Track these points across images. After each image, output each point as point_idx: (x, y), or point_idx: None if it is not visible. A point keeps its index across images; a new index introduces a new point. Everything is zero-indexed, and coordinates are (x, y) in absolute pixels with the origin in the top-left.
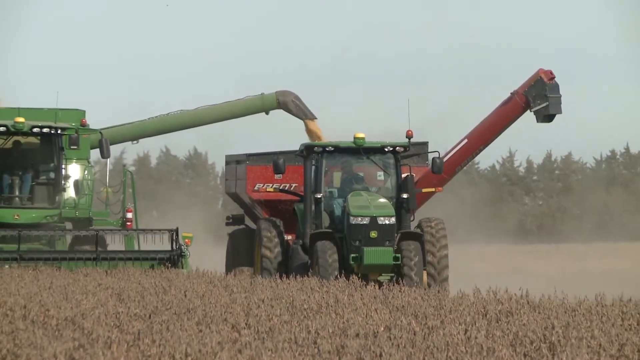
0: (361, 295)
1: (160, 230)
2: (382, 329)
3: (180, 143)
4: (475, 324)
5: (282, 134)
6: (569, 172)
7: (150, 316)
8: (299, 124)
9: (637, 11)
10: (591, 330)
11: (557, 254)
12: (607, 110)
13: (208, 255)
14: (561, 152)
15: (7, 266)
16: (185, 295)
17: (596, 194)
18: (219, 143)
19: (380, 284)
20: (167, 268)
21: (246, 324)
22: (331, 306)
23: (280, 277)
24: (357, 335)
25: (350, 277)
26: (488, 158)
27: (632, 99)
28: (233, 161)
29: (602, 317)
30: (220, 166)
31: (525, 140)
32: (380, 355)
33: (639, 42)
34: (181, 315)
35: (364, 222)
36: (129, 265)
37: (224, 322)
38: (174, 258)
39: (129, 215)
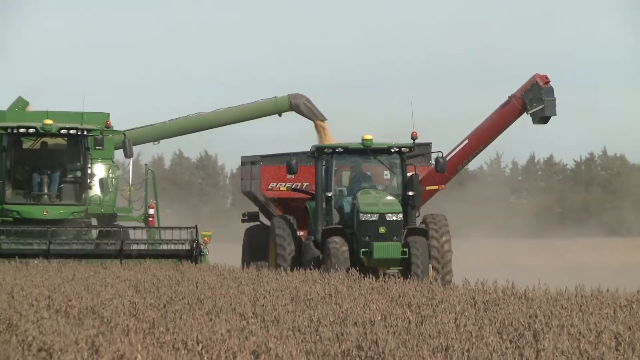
0: (359, 286)
1: (180, 227)
2: (378, 317)
3: (192, 146)
4: (465, 313)
5: (282, 136)
6: (550, 173)
7: (164, 306)
8: (300, 125)
9: (611, 20)
10: (571, 318)
11: (540, 249)
12: (586, 115)
13: (219, 249)
14: (543, 155)
15: (35, 261)
16: (197, 287)
17: (576, 193)
18: (228, 146)
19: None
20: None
21: (253, 313)
22: (332, 297)
23: (292, 270)
24: (356, 323)
25: (350, 270)
26: (477, 160)
27: (609, 105)
28: (248, 162)
29: (581, 306)
30: (229, 168)
31: (511, 143)
32: (377, 342)
33: (614, 52)
34: (193, 305)
35: (373, 219)
36: (152, 263)
37: (233, 311)
38: (194, 255)
39: (151, 211)
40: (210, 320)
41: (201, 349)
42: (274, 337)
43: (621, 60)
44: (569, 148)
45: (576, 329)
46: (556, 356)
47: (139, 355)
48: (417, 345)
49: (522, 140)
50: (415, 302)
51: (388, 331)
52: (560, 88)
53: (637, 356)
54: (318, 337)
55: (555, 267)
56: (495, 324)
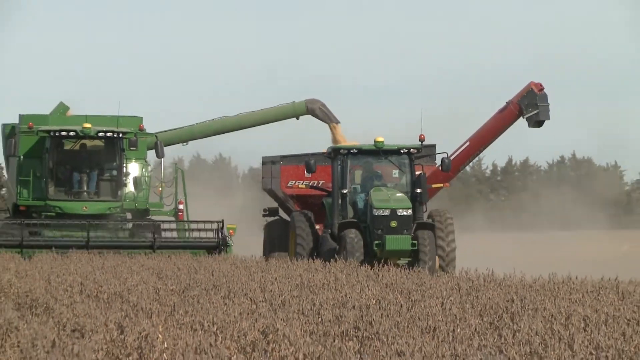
0: (356, 274)
1: (209, 221)
2: (373, 302)
3: (209, 149)
4: (450, 297)
5: (282, 137)
6: (526, 174)
7: (183, 291)
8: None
9: (588, 31)
10: (544, 302)
11: (516, 241)
12: (557, 121)
13: (240, 241)
14: (520, 157)
15: (75, 252)
16: (212, 275)
17: (548, 191)
18: (241, 149)
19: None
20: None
21: (262, 298)
22: (332, 283)
23: (308, 260)
24: (353, 307)
25: (349, 260)
26: None
27: (577, 113)
28: (269, 162)
29: (553, 292)
30: (241, 169)
31: (492, 147)
32: (372, 323)
33: (584, 62)
34: (209, 290)
35: (385, 214)
36: (182, 253)
37: (244, 296)
38: (220, 246)
39: (181, 206)
40: (224, 304)
41: (216, 329)
42: (281, 319)
43: (586, 74)
44: (543, 151)
45: (549, 312)
46: (531, 336)
47: (160, 336)
48: (407, 327)
49: (501, 145)
50: (406, 288)
51: (382, 314)
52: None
53: (603, 336)
54: (320, 319)
55: (530, 258)
56: (476, 307)
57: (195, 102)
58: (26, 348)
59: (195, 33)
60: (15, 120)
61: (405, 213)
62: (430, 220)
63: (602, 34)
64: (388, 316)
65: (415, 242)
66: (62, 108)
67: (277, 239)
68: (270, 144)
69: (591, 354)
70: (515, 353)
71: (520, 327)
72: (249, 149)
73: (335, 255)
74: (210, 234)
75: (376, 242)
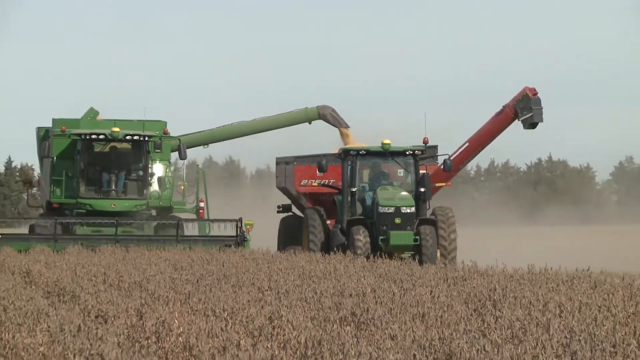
0: (353, 265)
1: (228, 220)
2: (369, 290)
3: (220, 152)
4: (438, 287)
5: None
6: (507, 174)
7: (197, 281)
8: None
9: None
10: (523, 291)
11: (498, 235)
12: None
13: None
14: (501, 160)
15: (104, 245)
16: (223, 266)
17: (527, 190)
18: (249, 153)
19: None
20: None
21: (268, 287)
22: (331, 274)
23: (322, 252)
24: (351, 295)
25: (347, 252)
26: None
27: (554, 118)
28: (283, 162)
29: (531, 281)
30: (249, 170)
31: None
32: (368, 310)
33: (562, 70)
34: (220, 280)
35: (390, 211)
36: (203, 247)
37: (252, 285)
38: (239, 241)
39: (202, 204)
40: (234, 292)
41: (226, 315)
42: (285, 306)
43: (561, 82)
44: (522, 154)
45: (527, 299)
46: (512, 321)
47: (176, 321)
48: (399, 313)
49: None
50: (399, 278)
51: (377, 301)
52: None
53: (576, 321)
54: (320, 306)
55: (511, 250)
56: (462, 295)
57: (215, 108)
58: (55, 332)
59: (214, 46)
60: (49, 124)
61: (408, 211)
62: (433, 217)
63: (577, 46)
64: (382, 303)
65: (418, 237)
66: (92, 113)
67: (291, 234)
68: (274, 147)
69: (566, 337)
70: (498, 337)
71: (502, 313)
72: (256, 152)
73: (345, 249)
74: (230, 230)
75: (381, 237)
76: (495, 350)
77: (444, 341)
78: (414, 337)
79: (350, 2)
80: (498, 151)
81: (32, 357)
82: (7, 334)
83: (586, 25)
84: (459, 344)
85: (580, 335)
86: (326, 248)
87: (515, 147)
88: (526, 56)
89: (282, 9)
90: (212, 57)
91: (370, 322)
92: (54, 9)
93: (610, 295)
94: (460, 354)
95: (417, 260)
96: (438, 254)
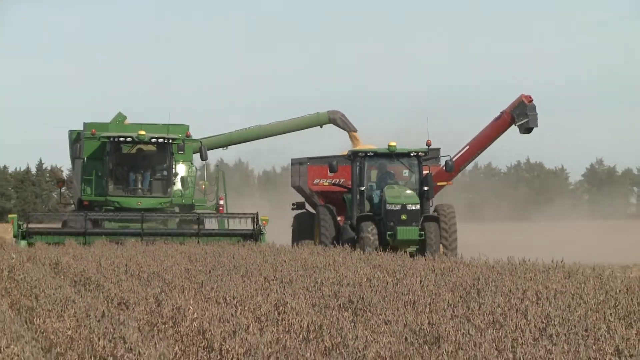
0: (351, 257)
1: (245, 214)
2: (365, 280)
3: (230, 154)
4: (427, 276)
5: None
6: (489, 175)
7: (210, 271)
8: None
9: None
10: (504, 280)
11: (480, 230)
12: (514, 131)
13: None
14: (484, 162)
15: (132, 240)
16: (233, 258)
17: (507, 190)
18: (257, 155)
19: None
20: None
21: (274, 277)
22: (331, 265)
23: (333, 246)
24: (348, 284)
25: (344, 245)
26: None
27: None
28: (297, 162)
29: (511, 272)
30: (257, 172)
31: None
32: (363, 297)
33: (546, 76)
34: (230, 271)
35: (397, 208)
36: (223, 240)
37: (259, 275)
38: (255, 235)
39: (221, 202)
40: (243, 282)
41: (236, 302)
42: (289, 294)
43: (539, 89)
44: (503, 156)
45: (507, 288)
46: (493, 308)
47: (191, 307)
48: (392, 300)
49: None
50: (392, 268)
51: (372, 290)
52: (496, 107)
53: (552, 307)
54: (321, 294)
55: (492, 243)
56: (449, 284)
57: (234, 113)
58: (81, 317)
59: (232, 55)
60: (80, 127)
61: (414, 208)
62: (435, 214)
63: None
64: (377, 291)
65: (423, 232)
66: (120, 117)
67: (304, 229)
68: (282, 149)
69: (542, 322)
70: (481, 322)
71: (484, 300)
72: (263, 154)
73: (354, 243)
74: (247, 225)
75: (389, 232)
76: (479, 334)
77: (433, 326)
78: (405, 322)
79: (362, 14)
80: (483, 154)
81: (60, 340)
82: (38, 319)
83: (559, 39)
84: (446, 328)
85: (556, 320)
86: (336, 242)
87: (498, 150)
88: (521, 65)
89: (296, 23)
90: (231, 68)
91: (366, 308)
92: (91, 22)
93: (583, 284)
94: (447, 337)
95: (421, 253)
96: (441, 247)
